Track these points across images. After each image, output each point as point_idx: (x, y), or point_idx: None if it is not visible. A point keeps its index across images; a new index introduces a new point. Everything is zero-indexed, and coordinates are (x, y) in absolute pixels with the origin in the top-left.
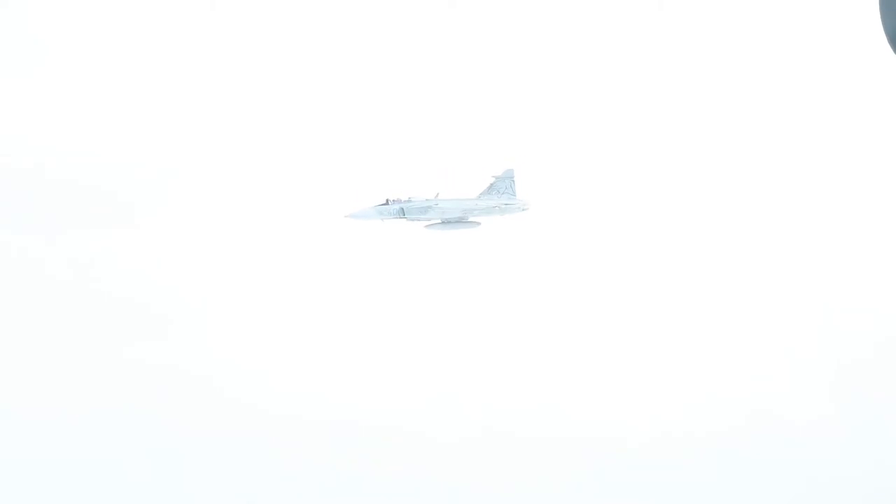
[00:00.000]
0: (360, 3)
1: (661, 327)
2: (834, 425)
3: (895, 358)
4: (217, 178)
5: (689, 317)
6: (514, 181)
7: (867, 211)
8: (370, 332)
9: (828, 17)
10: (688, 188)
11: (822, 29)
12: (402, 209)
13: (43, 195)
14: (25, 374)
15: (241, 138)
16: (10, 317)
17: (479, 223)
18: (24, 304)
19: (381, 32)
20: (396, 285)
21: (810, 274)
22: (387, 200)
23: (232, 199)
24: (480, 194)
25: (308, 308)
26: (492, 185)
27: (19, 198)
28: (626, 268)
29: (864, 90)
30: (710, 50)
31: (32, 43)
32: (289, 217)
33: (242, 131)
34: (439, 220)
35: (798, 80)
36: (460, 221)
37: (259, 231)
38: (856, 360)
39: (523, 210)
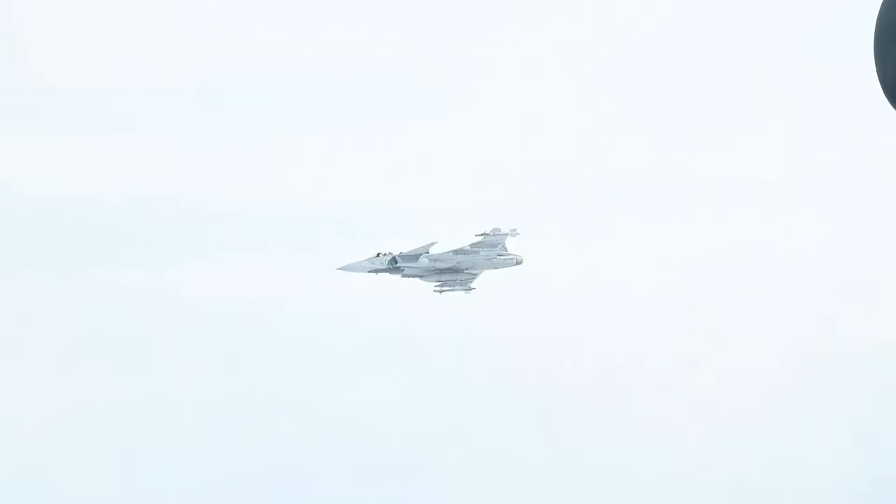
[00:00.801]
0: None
1: (660, 373)
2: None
3: None
4: (214, 222)
5: (689, 371)
6: (503, 235)
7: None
8: (364, 373)
9: (822, 65)
10: (681, 238)
11: (818, 79)
12: (395, 258)
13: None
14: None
15: (237, 182)
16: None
17: (475, 274)
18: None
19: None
20: (388, 334)
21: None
22: (378, 254)
23: (228, 243)
24: (471, 246)
25: (299, 357)
26: (482, 241)
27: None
28: (621, 318)
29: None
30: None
31: None
32: (283, 268)
33: (237, 175)
34: (433, 271)
35: (795, 132)
36: (454, 271)
37: (253, 280)
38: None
39: (518, 263)
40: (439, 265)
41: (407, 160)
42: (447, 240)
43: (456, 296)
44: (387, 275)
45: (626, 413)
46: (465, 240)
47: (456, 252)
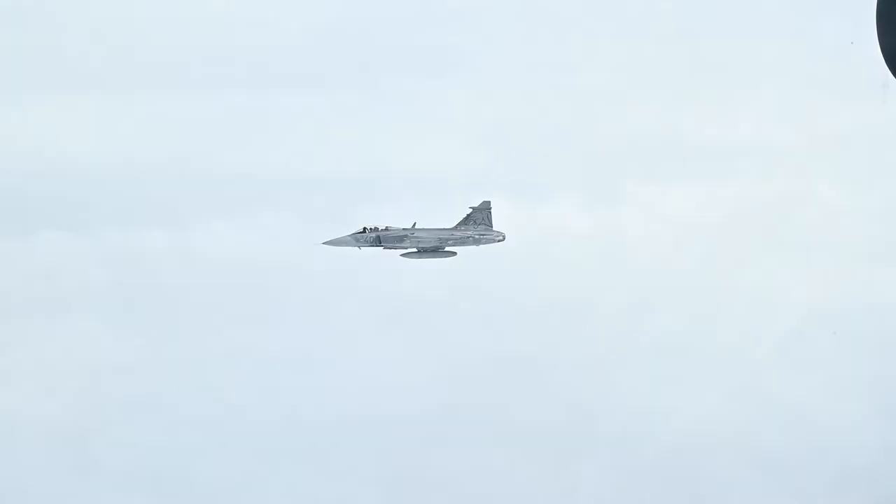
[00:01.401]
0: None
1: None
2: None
3: None
4: (202, 195)
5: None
6: (490, 212)
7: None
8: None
9: (824, 34)
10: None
11: (818, 51)
12: (379, 237)
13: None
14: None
15: (223, 157)
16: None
17: (455, 253)
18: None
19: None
20: (371, 310)
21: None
22: (364, 229)
23: (215, 218)
24: (457, 224)
25: (283, 329)
26: (468, 215)
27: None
28: (603, 297)
29: (860, 107)
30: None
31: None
32: (268, 242)
33: (224, 149)
34: (416, 249)
35: (793, 100)
36: (436, 250)
37: (239, 254)
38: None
39: (499, 241)
40: (423, 244)
41: (407, 125)
42: (442, 208)
43: (449, 266)
44: (369, 248)
45: (640, 374)
46: (450, 220)
47: (440, 238)
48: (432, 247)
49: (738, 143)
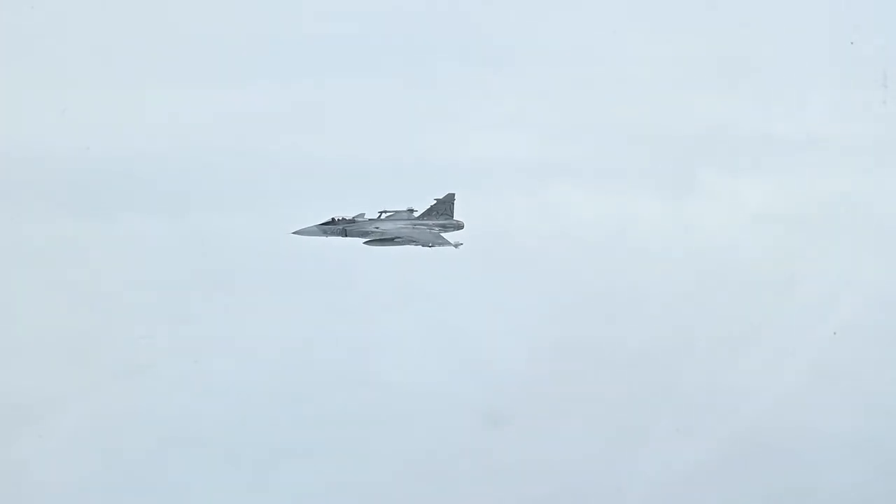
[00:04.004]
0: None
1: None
2: None
3: None
4: (175, 184)
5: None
6: (454, 205)
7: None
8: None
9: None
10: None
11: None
12: (345, 230)
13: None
14: None
15: (200, 148)
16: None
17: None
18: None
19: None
20: (338, 296)
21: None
22: (332, 219)
23: (187, 208)
24: (421, 215)
25: (253, 315)
26: (432, 206)
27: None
28: (668, 285)
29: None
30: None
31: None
32: (238, 231)
33: (197, 139)
34: (377, 239)
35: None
36: (394, 240)
37: (208, 243)
38: None
39: (458, 229)
40: (387, 236)
41: (464, 114)
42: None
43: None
44: (337, 238)
45: (709, 359)
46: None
47: (403, 227)
48: (390, 237)
49: (804, 136)
